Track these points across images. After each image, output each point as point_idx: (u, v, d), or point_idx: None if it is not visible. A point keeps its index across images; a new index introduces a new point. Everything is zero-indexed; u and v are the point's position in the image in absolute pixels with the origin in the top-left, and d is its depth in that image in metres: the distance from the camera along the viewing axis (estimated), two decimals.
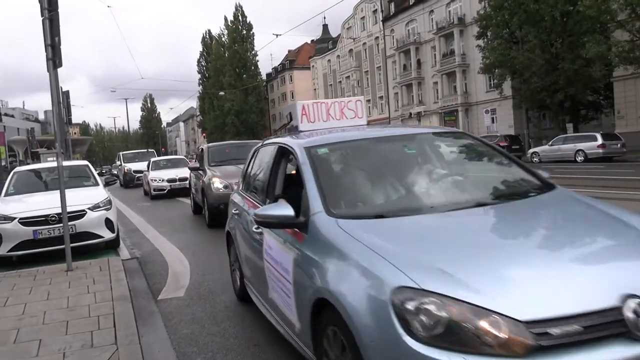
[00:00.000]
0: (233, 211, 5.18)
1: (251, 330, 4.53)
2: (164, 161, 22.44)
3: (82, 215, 8.00)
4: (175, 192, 18.19)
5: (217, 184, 10.36)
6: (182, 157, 28.00)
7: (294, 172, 4.35)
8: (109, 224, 8.30)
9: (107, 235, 8.28)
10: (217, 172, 10.81)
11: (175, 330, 4.66)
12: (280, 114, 79.54)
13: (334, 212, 3.06)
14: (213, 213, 10.20)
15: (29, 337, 4.45)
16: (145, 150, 38.01)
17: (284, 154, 4.11)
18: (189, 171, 14.45)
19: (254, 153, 5.23)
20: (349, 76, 64.07)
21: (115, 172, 34.16)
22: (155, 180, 18.72)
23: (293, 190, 3.73)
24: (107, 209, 8.39)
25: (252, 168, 5.17)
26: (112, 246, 8.59)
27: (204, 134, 75.96)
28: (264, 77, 76.01)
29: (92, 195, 8.70)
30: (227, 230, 5.38)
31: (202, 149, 13.09)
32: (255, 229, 4.03)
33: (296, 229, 3.23)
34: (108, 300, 5.36)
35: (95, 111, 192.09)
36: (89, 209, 8.13)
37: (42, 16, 6.73)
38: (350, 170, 3.73)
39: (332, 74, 68.97)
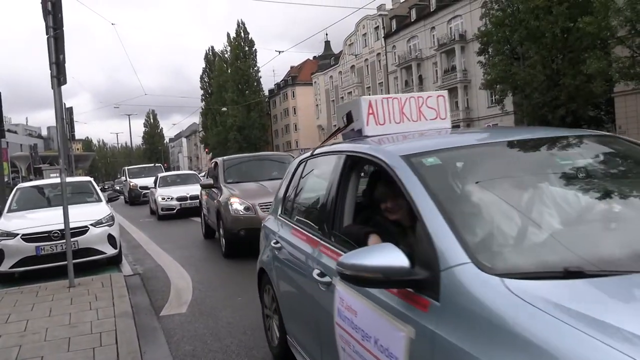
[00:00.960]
0: (272, 244, 3.89)
1: (252, 347, 4.52)
2: (173, 177, 20.31)
3: (84, 232, 8.01)
4: (186, 212, 16.18)
5: (237, 205, 8.58)
6: (193, 172, 24.82)
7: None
8: (111, 240, 8.32)
9: (110, 251, 8.29)
10: (235, 191, 9.00)
11: (178, 347, 4.65)
12: (285, 129, 79.92)
13: (488, 264, 1.86)
14: (231, 241, 8.58)
15: (31, 354, 4.44)
16: (152, 164, 35.17)
17: (355, 166, 3.01)
18: (200, 189, 12.44)
19: (297, 166, 4.06)
20: (351, 92, 64.36)
21: (119, 188, 34.01)
22: (164, 199, 16.78)
23: (364, 218, 2.91)
24: (110, 225, 8.40)
25: (297, 186, 3.96)
26: (114, 262, 8.59)
27: (206, 150, 76.17)
28: (266, 93, 76.37)
29: (95, 211, 8.72)
30: (261, 267, 4.22)
31: (216, 162, 10.94)
32: (318, 275, 2.85)
33: (409, 289, 2.05)
34: (110, 316, 5.35)
35: (98, 127, 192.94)
36: (91, 225, 8.15)
37: (47, 34, 6.81)
38: (484, 191, 2.40)
39: (334, 90, 69.31)
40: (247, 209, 8.46)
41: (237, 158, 11.59)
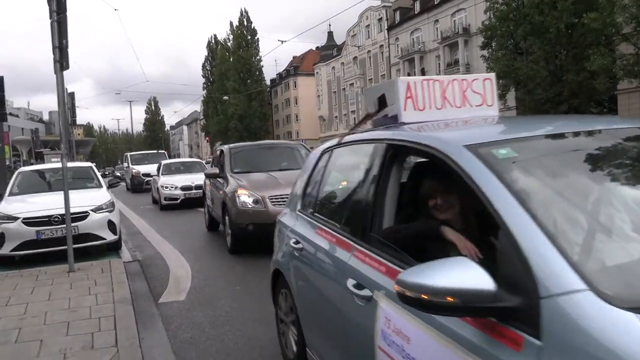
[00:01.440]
0: (291, 243, 3.42)
1: (250, 337, 4.54)
2: (177, 164, 19.09)
3: (84, 217, 8.03)
4: (190, 202, 15.07)
5: (245, 197, 7.90)
6: (198, 160, 22.71)
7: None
8: (111, 226, 8.34)
9: (109, 237, 8.31)
10: (243, 182, 8.30)
11: (176, 334, 4.68)
12: (285, 119, 79.77)
13: (612, 292, 1.42)
14: (238, 236, 7.94)
15: (30, 337, 4.47)
16: (156, 151, 33.17)
17: (397, 157, 2.57)
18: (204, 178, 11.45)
19: (320, 156, 3.61)
20: (352, 83, 64.17)
21: (119, 174, 33.84)
22: (167, 188, 15.74)
23: (405, 217, 2.55)
24: (110, 211, 8.43)
25: (321, 179, 3.50)
26: (114, 248, 8.62)
27: (207, 138, 76.09)
28: (268, 82, 76.16)
29: (96, 197, 8.74)
30: (276, 268, 3.75)
31: (222, 150, 10.22)
32: (355, 286, 2.40)
33: (493, 319, 1.61)
34: (109, 302, 5.38)
35: (99, 113, 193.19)
36: (92, 210, 8.17)
37: (50, 19, 6.80)
38: (583, 194, 1.94)
39: (336, 81, 69.09)
40: (256, 201, 7.80)
41: (245, 146, 10.82)
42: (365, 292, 2.31)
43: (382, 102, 3.05)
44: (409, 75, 53.43)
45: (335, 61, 69.89)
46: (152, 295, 6.00)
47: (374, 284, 2.26)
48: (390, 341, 2.06)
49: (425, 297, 1.57)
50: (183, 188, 15.51)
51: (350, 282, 2.45)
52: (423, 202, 2.48)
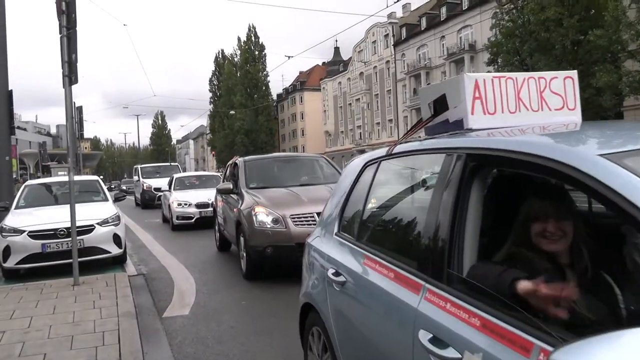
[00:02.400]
0: (329, 274, 2.84)
1: (255, 351, 4.51)
2: (191, 178, 17.17)
3: (90, 230, 8.04)
4: (206, 221, 12.83)
5: (263, 216, 6.99)
6: (215, 173, 20.00)
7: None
8: (116, 239, 8.35)
9: (115, 250, 8.32)
10: (260, 199, 7.41)
11: (180, 349, 4.65)
12: (292, 134, 79.98)
13: None
14: (254, 259, 7.02)
15: (34, 351, 4.46)
16: (168, 163, 30.63)
17: (479, 171, 2.02)
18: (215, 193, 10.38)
19: (363, 170, 3.05)
20: (359, 99, 64.40)
21: (125, 188, 33.69)
22: (180, 204, 13.91)
23: (497, 247, 1.96)
24: (116, 225, 8.44)
25: (366, 197, 2.92)
26: (119, 262, 8.61)
27: (213, 152, 76.35)
28: (274, 97, 76.58)
29: (101, 210, 8.76)
30: (306, 302, 3.21)
31: (236, 163, 9.25)
32: (431, 342, 1.84)
33: None
34: (114, 316, 5.36)
35: (106, 126, 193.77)
36: (97, 224, 8.19)
37: (60, 34, 6.87)
38: None
39: (342, 96, 69.34)
40: (275, 221, 6.90)
41: (261, 158, 9.94)
42: (450, 353, 1.74)
43: (440, 105, 2.55)
44: (414, 91, 53.77)
45: (341, 76, 70.23)
46: (156, 309, 5.98)
47: (464, 342, 1.69)
48: None
49: None
50: (198, 205, 13.67)
51: (424, 336, 1.88)
52: (523, 227, 1.89)
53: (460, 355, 1.70)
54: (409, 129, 3.20)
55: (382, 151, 2.92)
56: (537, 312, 1.56)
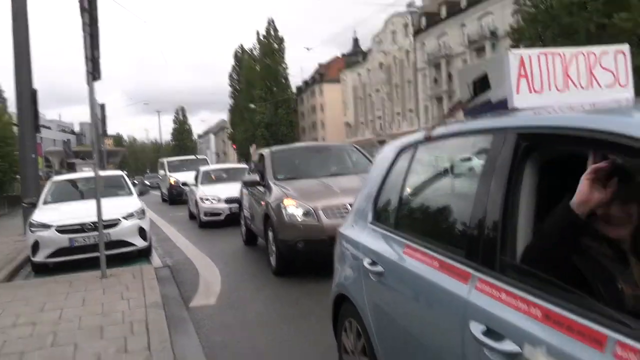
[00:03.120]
0: (365, 264, 2.75)
1: (282, 339, 4.54)
2: (218, 171, 15.78)
3: (116, 224, 8.17)
4: (236, 217, 11.26)
5: (293, 208, 6.71)
6: (243, 165, 18.02)
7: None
8: (142, 232, 8.48)
9: (140, 243, 8.44)
10: (289, 191, 7.11)
11: (207, 337, 4.70)
12: (311, 126, 79.97)
13: None
14: (285, 255, 6.73)
15: (65, 341, 4.55)
16: (195, 157, 27.84)
17: (531, 153, 1.89)
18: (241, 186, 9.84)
19: (397, 156, 2.94)
20: (379, 90, 64.08)
21: (148, 183, 33.77)
22: (208, 200, 12.97)
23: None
24: (141, 218, 8.57)
25: (402, 183, 2.83)
26: (144, 254, 8.73)
27: (233, 146, 76.82)
28: (294, 90, 76.67)
29: (127, 204, 8.89)
30: (340, 293, 3.12)
31: (262, 155, 8.87)
32: (485, 335, 1.72)
33: None
34: (141, 306, 5.44)
35: (128, 124, 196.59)
36: (123, 218, 8.32)
37: (83, 31, 6.95)
38: None
39: (362, 87, 69.09)
40: (306, 213, 6.60)
41: (289, 149, 9.55)
42: (507, 346, 1.62)
43: (481, 85, 2.41)
44: (435, 80, 53.26)
45: (360, 67, 69.92)
46: (182, 299, 6.05)
47: (523, 334, 1.58)
48: None
49: None
50: (228, 200, 12.49)
51: (477, 328, 1.76)
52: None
53: (519, 349, 1.57)
54: (446, 112, 3.06)
55: (419, 135, 2.79)
56: (610, 301, 1.48)
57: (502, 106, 2.27)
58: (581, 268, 1.62)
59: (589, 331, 1.38)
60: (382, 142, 47.73)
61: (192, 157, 27.50)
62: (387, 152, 3.12)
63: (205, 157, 28.29)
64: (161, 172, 25.10)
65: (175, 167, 23.20)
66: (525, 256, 1.75)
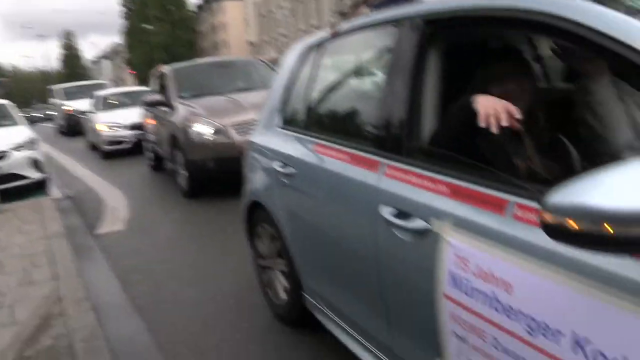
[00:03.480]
0: (276, 167, 2.72)
1: (195, 256, 4.53)
2: (118, 96, 14.19)
3: (4, 156, 7.57)
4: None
5: (201, 127, 6.39)
6: (145, 88, 15.26)
7: None
8: (36, 164, 7.92)
9: (35, 175, 7.91)
10: (196, 108, 6.75)
11: (117, 263, 4.57)
12: (213, 47, 76.85)
13: None
14: (196, 176, 6.50)
15: None
16: (94, 82, 24.61)
17: (436, 39, 1.89)
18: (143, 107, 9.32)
19: (305, 56, 2.86)
20: (281, 6, 62.12)
21: (41, 115, 31.10)
22: (111, 127, 11.83)
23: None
24: (33, 149, 7.98)
25: (311, 84, 2.76)
26: (41, 188, 8.22)
27: (131, 71, 72.59)
28: (192, 9, 72.63)
29: (14, 135, 8.20)
30: (253, 201, 3.08)
31: (163, 73, 8.38)
32: (396, 216, 1.78)
33: None
34: (42, 238, 5.19)
35: (6, 50, 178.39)
36: (12, 149, 7.70)
37: None
38: None
39: (264, 4, 66.61)
40: (218, 131, 6.32)
41: (192, 65, 8.91)
42: (416, 223, 1.68)
43: None
44: None
45: None
46: (87, 228, 5.81)
47: (431, 210, 1.64)
48: (469, 288, 1.49)
49: (610, 228, 0.96)
50: (133, 127, 11.26)
51: (387, 211, 1.82)
52: (480, 92, 1.71)
53: (426, 224, 1.64)
54: (349, 9, 2.91)
55: (323, 34, 2.72)
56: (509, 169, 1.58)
57: None
58: (482, 149, 1.70)
59: (492, 198, 1.47)
60: None
61: (91, 82, 24.46)
62: (295, 53, 3.00)
63: (105, 82, 24.74)
64: (55, 100, 22.35)
65: (71, 95, 20.55)
66: (432, 142, 1.81)
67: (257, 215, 3.08)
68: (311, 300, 2.65)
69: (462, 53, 1.97)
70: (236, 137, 6.21)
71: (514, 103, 1.65)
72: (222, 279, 3.88)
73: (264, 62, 9.12)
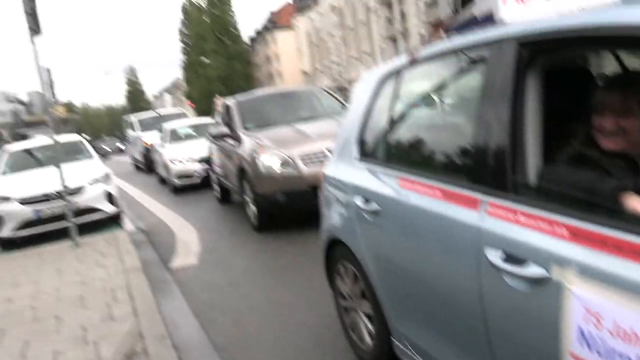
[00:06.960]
0: (357, 202, 2.60)
1: (272, 290, 4.47)
2: (184, 128, 13.40)
3: (81, 191, 7.84)
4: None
5: (267, 159, 6.22)
6: (211, 120, 13.93)
7: None
8: (110, 197, 8.18)
9: (109, 209, 8.16)
10: (263, 140, 6.61)
11: (194, 297, 4.58)
12: (268, 77, 78.55)
13: None
14: (265, 209, 6.34)
15: (45, 314, 4.38)
16: (174, 111, 21.81)
17: (534, 63, 1.75)
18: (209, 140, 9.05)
19: (381, 84, 2.74)
20: (332, 34, 62.96)
21: (108, 148, 31.80)
22: (180, 161, 11.40)
23: (561, 148, 1.73)
24: (107, 183, 8.26)
25: (389, 114, 2.63)
26: (115, 221, 8.46)
27: (191, 104, 75.12)
28: (246, 40, 74.74)
29: (90, 170, 8.53)
30: (333, 237, 2.94)
31: (228, 105, 8.24)
32: (506, 261, 1.62)
33: None
34: (120, 272, 5.27)
35: (74, 87, 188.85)
36: (88, 183, 7.99)
37: None
38: None
39: (315, 33, 67.75)
40: (285, 163, 6.13)
41: (255, 97, 8.71)
42: (532, 270, 1.51)
43: (463, 0, 2.15)
44: (389, 20, 52.48)
45: (312, 12, 68.37)
46: (162, 261, 5.89)
47: (550, 256, 1.47)
48: (602, 347, 1.31)
49: None
50: (202, 160, 10.75)
51: (494, 255, 1.65)
52: (583, 121, 1.62)
53: (545, 272, 1.46)
54: (427, 32, 2.84)
55: (401, 60, 2.60)
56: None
57: (488, 21, 2.07)
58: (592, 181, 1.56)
59: (625, 244, 1.28)
60: (341, 89, 47.38)
61: (171, 111, 21.99)
62: (368, 82, 2.88)
63: (184, 110, 22.24)
64: (130, 132, 19.94)
65: (147, 126, 18.27)
66: (550, 177, 1.65)
67: (337, 252, 2.93)
68: (401, 347, 2.47)
69: (565, 77, 1.84)
70: (304, 168, 6.06)
71: (617, 135, 1.56)
72: (303, 314, 3.80)
73: (326, 90, 9.07)
